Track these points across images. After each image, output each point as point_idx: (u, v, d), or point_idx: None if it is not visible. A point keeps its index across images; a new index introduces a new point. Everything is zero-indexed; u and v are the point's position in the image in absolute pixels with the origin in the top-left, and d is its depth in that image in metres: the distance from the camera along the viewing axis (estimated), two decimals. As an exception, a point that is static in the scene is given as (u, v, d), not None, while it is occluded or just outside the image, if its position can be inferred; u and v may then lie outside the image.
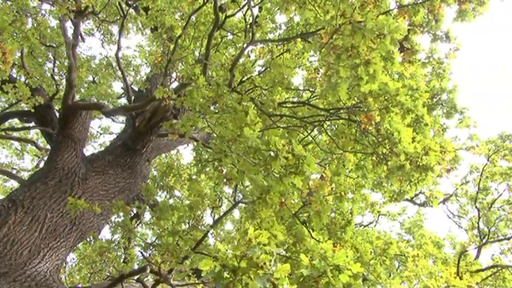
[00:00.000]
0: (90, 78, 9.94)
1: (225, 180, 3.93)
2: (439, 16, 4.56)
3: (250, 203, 3.41)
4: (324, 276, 2.19)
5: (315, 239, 4.55)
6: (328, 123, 5.62)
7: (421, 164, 3.92)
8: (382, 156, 4.12)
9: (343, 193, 5.13)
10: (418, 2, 4.30)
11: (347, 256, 2.36)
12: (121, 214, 5.09)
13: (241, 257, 2.04)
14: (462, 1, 4.31)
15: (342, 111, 4.72)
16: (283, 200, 3.42)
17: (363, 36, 3.47)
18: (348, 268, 2.26)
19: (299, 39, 6.10)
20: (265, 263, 2.05)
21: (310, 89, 6.14)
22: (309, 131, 5.71)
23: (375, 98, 3.97)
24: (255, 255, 2.03)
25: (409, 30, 4.37)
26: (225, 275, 2.04)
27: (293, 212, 3.46)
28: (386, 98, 3.96)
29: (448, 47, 5.98)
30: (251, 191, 3.39)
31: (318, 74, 5.44)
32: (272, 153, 3.17)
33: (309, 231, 4.76)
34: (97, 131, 12.09)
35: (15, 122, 9.81)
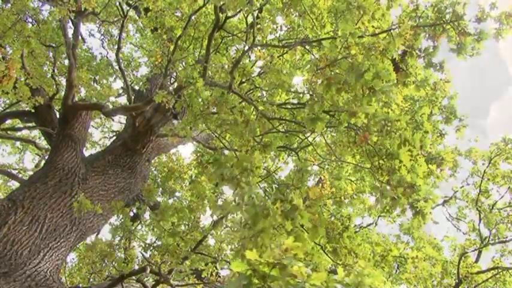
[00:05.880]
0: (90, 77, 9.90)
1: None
2: (438, 44, 4.54)
3: (240, 240, 3.39)
4: None
5: (315, 242, 4.55)
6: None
7: (417, 207, 3.90)
8: (378, 167, 4.08)
9: (342, 198, 5.13)
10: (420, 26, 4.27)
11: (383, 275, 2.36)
12: (121, 215, 5.11)
13: (274, 265, 2.00)
14: (462, 32, 4.30)
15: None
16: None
17: (357, 80, 3.42)
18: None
19: (299, 47, 6.05)
20: (300, 272, 2.02)
21: (310, 93, 6.12)
22: (308, 135, 5.70)
23: (374, 121, 3.89)
24: (290, 264, 1.99)
25: (406, 51, 4.35)
26: (255, 280, 2.00)
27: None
28: (385, 122, 3.90)
29: (440, 77, 5.93)
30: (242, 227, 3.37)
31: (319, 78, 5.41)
32: (265, 211, 3.17)
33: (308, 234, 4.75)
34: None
35: (17, 122, 9.81)
